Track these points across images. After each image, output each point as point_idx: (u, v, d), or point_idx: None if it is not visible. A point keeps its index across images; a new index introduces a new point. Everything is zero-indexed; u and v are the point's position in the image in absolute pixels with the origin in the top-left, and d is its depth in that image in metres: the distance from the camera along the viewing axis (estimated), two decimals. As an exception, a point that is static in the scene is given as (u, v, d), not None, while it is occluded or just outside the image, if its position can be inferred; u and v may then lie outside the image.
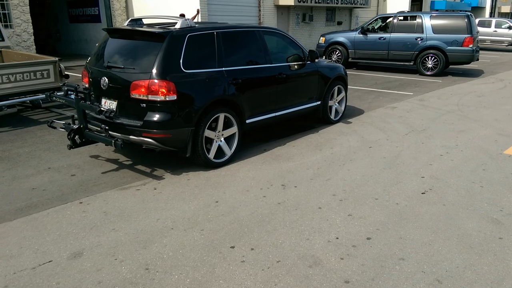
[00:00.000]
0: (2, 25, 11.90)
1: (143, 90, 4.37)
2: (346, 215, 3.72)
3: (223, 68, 4.89)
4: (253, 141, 5.93)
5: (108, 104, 4.74)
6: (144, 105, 4.41)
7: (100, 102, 4.84)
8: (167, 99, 4.35)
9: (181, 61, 4.50)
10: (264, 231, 3.45)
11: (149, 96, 4.35)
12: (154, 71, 4.36)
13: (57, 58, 7.13)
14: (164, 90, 4.33)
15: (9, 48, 8.37)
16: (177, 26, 4.73)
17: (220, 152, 4.97)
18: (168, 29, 4.70)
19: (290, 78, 5.87)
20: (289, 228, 3.49)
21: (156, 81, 4.33)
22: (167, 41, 4.49)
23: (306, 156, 5.32)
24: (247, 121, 5.27)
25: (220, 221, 3.63)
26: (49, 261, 3.05)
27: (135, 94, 4.42)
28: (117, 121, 4.58)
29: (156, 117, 4.39)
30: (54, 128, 4.86)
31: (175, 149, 4.68)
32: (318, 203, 3.97)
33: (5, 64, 6.56)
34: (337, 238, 3.34)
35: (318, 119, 6.85)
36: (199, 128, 4.64)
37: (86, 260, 3.06)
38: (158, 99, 4.34)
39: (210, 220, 3.65)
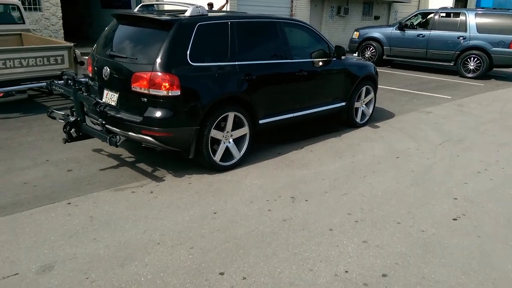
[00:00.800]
0: (27, 7, 11.82)
1: (144, 83, 3.96)
2: (360, 242, 3.20)
3: (236, 63, 4.42)
4: (268, 143, 5.45)
5: (110, 96, 4.37)
6: (145, 99, 4.01)
7: (102, 94, 4.49)
8: (170, 94, 3.93)
9: (188, 52, 4.06)
10: (262, 255, 2.99)
11: (151, 90, 3.94)
12: (158, 62, 3.94)
13: (72, 44, 6.86)
14: (167, 84, 3.91)
15: (29, 32, 8.20)
16: (187, 13, 4.29)
17: (227, 154, 4.52)
18: (177, 16, 4.26)
19: (313, 75, 5.33)
20: (291, 254, 3.01)
21: (159, 73, 3.92)
22: (174, 29, 4.05)
23: (324, 164, 4.79)
24: (261, 122, 4.79)
25: (214, 238, 3.19)
26: (15, 274, 2.71)
27: (136, 87, 4.03)
28: (117, 115, 4.20)
29: (157, 113, 3.98)
30: (54, 118, 4.56)
31: (177, 150, 4.27)
32: (330, 223, 3.46)
33: (16, 48, 6.34)
34: (346, 271, 2.83)
35: (342, 122, 6.28)
36: (205, 128, 4.20)
37: (55, 276, 2.70)
38: (160, 94, 3.93)
39: (203, 235, 3.22)
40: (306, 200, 3.86)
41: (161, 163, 4.63)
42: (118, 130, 4.22)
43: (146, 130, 4.02)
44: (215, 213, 3.58)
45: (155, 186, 4.07)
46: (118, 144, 4.00)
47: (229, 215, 3.55)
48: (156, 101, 3.97)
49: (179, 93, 3.96)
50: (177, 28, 4.07)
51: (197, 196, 3.87)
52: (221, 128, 4.43)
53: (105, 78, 4.34)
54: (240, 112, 4.48)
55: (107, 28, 4.77)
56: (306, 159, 4.93)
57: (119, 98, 4.26)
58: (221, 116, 4.31)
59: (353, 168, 4.69)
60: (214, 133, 4.31)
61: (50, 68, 6.64)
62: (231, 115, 4.41)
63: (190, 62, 4.06)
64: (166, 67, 3.94)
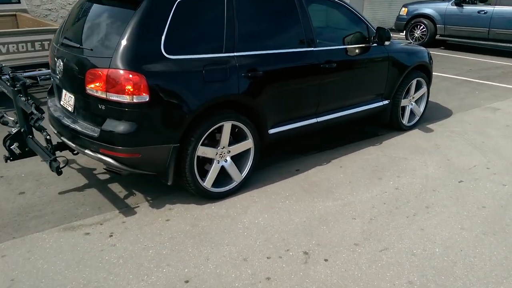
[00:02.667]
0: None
1: (100, 84, 2.84)
2: None
3: (234, 53, 3.19)
4: (284, 153, 4.23)
5: (67, 99, 3.29)
6: (103, 107, 2.89)
7: (60, 95, 3.41)
8: (135, 100, 2.79)
9: (162, 40, 2.87)
10: None
11: (108, 94, 2.81)
12: (117, 55, 2.79)
13: (62, 26, 5.83)
14: (130, 87, 2.76)
15: (26, 12, 7.28)
16: (164, -16, 3.08)
17: (224, 176, 3.35)
18: (153, -11, 3.07)
19: (345, 67, 4.01)
20: None
21: (119, 71, 2.77)
22: (143, 7, 2.87)
23: (356, 190, 3.52)
24: (271, 131, 3.57)
25: (173, 335, 2.06)
26: None
27: (91, 89, 2.91)
28: (72, 125, 3.12)
29: (118, 127, 2.86)
30: (5, 124, 3.55)
31: (150, 174, 3.15)
32: (358, 310, 2.24)
33: (-9, 31, 5.40)
34: None
35: (384, 124, 4.93)
36: (187, 145, 3.04)
37: None
38: (121, 100, 2.79)
39: (157, 329, 2.10)
40: (326, 260, 2.64)
41: (143, 183, 3.53)
42: (75, 145, 3.14)
43: (104, 149, 2.91)
44: (186, 281, 2.44)
45: (119, 224, 2.98)
46: (60, 170, 2.93)
47: (207, 286, 2.40)
48: (116, 110, 2.84)
49: (147, 99, 2.80)
50: (148, 5, 2.88)
51: (171, 246, 2.74)
52: (213, 142, 3.26)
53: (59, 75, 3.25)
54: (240, 121, 3.27)
55: (72, 7, 3.65)
56: (333, 181, 3.67)
57: (75, 102, 3.17)
58: (212, 128, 3.13)
59: (397, 200, 3.38)
60: (203, 150, 3.14)
61: (36, 55, 5.68)
62: (227, 126, 3.21)
63: (165, 54, 2.88)
64: (129, 62, 2.78)
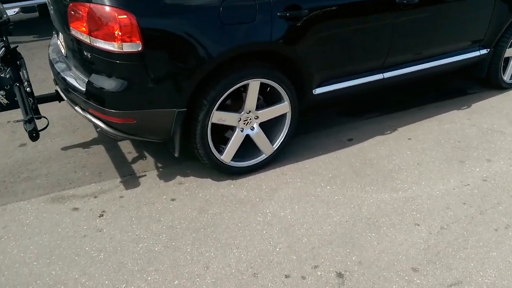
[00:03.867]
0: None
1: (81, 24, 2.14)
2: None
3: (268, -17, 2.28)
4: (335, 114, 3.36)
5: (60, 38, 2.66)
6: (88, 54, 2.21)
7: (58, 32, 2.79)
8: (125, 49, 2.06)
9: (163, -37, 2.05)
10: None
11: (91, 38, 2.11)
12: (102, -16, 2.03)
13: None
14: (117, 31, 2.03)
15: None
16: None
17: (250, 146, 2.62)
18: None
19: (428, 3, 2.90)
20: None
21: (105, 8, 2.03)
22: None
23: (426, 177, 2.63)
24: (317, 91, 2.70)
25: None
26: None
27: (74, 30, 2.23)
28: (62, 74, 2.51)
29: (104, 83, 2.18)
30: None
31: (157, 141, 2.51)
32: None
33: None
34: None
35: (477, 79, 3.78)
36: (198, 110, 2.32)
37: None
38: (107, 48, 2.08)
39: None
40: (365, 291, 1.90)
41: (158, 143, 2.94)
42: (66, 99, 2.56)
43: (93, 109, 2.29)
44: (170, 303, 1.86)
45: (116, 200, 2.44)
46: (35, 134, 2.36)
47: (196, 312, 1.81)
48: (103, 61, 2.15)
49: (140, 48, 2.06)
50: None
51: (167, 241, 2.15)
52: (236, 104, 2.50)
53: (51, 6, 2.59)
54: (273, 78, 2.45)
55: None
56: (395, 160, 2.79)
57: (65, 45, 2.53)
58: (232, 89, 2.35)
59: (483, 199, 2.45)
60: (220, 116, 2.40)
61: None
62: (254, 85, 2.41)
63: (166, -16, 2.06)
64: (116, -5, 2.02)
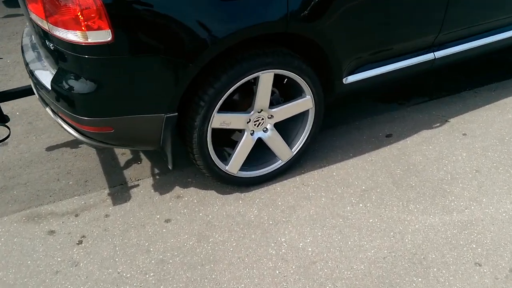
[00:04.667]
0: None
1: (38, 7, 1.63)
2: None
3: None
4: (369, 101, 2.78)
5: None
6: (51, 45, 1.70)
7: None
8: (91, 40, 1.54)
9: None
10: None
11: (49, 25, 1.60)
12: (56, -49, 1.50)
13: None
14: (79, 15, 1.51)
15: None
16: None
17: (262, 149, 2.11)
18: None
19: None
20: None
21: (62, -17, 1.51)
22: None
23: (489, 191, 2.06)
24: (349, 79, 2.12)
25: None
26: None
27: (32, 13, 1.73)
28: (31, 64, 2.04)
29: (70, 83, 1.69)
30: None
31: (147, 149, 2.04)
32: None
33: None
34: None
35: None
36: (193, 113, 1.81)
37: None
38: (69, 38, 1.57)
39: None
40: None
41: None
42: (38, 97, 2.10)
43: (63, 114, 1.81)
44: None
45: (100, 219, 2.02)
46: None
47: None
48: (65, 54, 1.64)
49: (110, 38, 1.54)
50: None
51: (154, 280, 1.72)
52: (242, 103, 1.98)
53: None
54: (292, 68, 1.88)
55: None
56: (447, 166, 2.22)
57: (32, 29, 2.03)
58: (238, 84, 1.81)
59: None
60: (223, 119, 1.88)
61: None
62: (266, 78, 1.86)
63: None
64: (74, -34, 1.48)
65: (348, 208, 2.01)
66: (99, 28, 1.52)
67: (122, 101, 1.69)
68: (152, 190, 2.18)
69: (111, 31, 1.52)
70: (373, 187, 2.12)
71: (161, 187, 2.20)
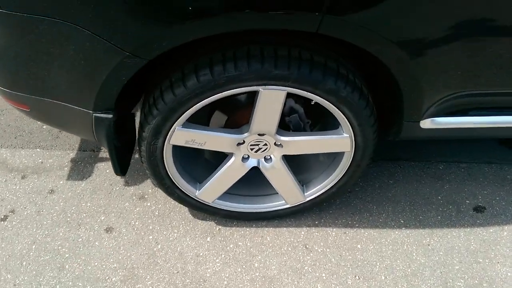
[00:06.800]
0: None
1: None
2: None
3: None
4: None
5: None
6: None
7: None
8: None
9: None
10: None
11: None
12: None
13: None
14: None
15: None
16: None
17: (262, 175, 1.41)
18: None
19: None
20: None
21: None
22: None
23: None
24: (430, 123, 1.23)
25: None
26: None
27: None
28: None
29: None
30: None
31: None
32: None
33: None
34: None
35: None
36: (144, 122, 1.16)
37: None
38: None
39: None
40: None
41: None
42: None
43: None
44: None
45: (40, 193, 1.59)
46: None
47: None
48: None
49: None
50: None
51: None
52: (233, 114, 1.26)
53: None
54: (322, 90, 1.07)
55: None
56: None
57: None
58: (218, 96, 1.08)
59: None
60: (190, 136, 1.20)
61: None
62: (268, 96, 1.09)
63: None
64: None
65: (348, 318, 1.29)
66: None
67: (28, 76, 1.09)
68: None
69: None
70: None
71: (130, 175, 1.67)
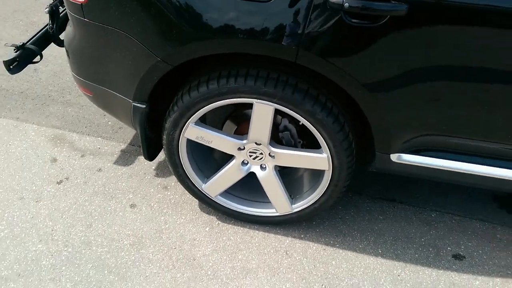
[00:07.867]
0: None
1: None
2: None
3: None
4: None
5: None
6: None
7: None
8: (74, -6, 1.39)
9: None
10: None
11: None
12: None
13: None
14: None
15: None
16: None
17: (258, 191, 1.69)
18: None
19: None
20: None
21: None
22: None
23: None
24: (400, 157, 1.43)
25: None
26: None
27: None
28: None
29: (68, 36, 1.60)
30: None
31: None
32: None
33: None
34: None
35: None
36: (167, 115, 1.52)
37: None
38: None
39: None
40: None
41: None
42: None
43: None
44: None
45: (91, 169, 2.00)
46: (11, 67, 1.93)
47: None
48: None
49: (84, -1, 1.35)
50: None
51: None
52: (240, 122, 1.57)
53: None
54: (303, 111, 1.35)
55: None
56: None
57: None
58: (223, 102, 1.40)
59: None
60: (200, 133, 1.52)
61: None
62: (260, 109, 1.39)
63: None
64: None
65: (304, 316, 1.46)
66: (78, -14, 1.34)
67: (95, 69, 1.52)
68: (153, 168, 2.03)
69: (86, -8, 1.32)
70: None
71: (161, 170, 2.03)
